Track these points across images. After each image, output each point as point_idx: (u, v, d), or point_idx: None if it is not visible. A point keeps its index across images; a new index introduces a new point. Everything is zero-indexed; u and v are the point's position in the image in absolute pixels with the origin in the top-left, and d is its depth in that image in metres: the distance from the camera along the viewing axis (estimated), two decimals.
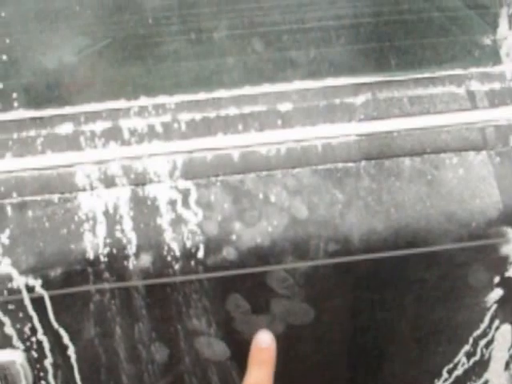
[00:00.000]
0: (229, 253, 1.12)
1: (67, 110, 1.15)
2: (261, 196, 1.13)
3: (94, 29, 1.18)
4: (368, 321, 1.22)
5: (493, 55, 1.24)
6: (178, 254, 1.11)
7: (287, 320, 1.18)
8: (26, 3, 1.16)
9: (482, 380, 1.31)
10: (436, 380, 1.29)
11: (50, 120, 1.14)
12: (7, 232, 1.10)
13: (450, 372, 1.28)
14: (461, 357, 1.27)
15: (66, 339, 1.14)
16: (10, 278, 1.09)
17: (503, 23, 1.24)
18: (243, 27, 1.19)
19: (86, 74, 1.20)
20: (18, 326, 1.12)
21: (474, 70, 1.21)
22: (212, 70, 1.21)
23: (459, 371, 1.28)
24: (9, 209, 1.11)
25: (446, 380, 1.29)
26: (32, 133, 1.13)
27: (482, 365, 1.29)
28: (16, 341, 1.13)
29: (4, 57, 1.15)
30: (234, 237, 1.12)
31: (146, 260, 1.11)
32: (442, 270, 1.18)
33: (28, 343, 1.14)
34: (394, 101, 1.17)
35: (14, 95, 1.14)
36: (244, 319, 1.17)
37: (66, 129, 1.14)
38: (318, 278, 1.15)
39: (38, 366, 1.15)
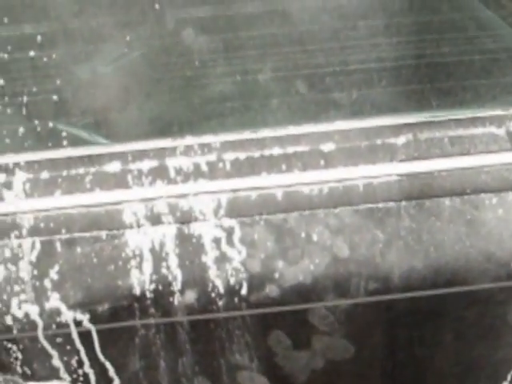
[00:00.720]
0: (271, 290, 1.14)
1: (115, 148, 1.18)
2: (303, 235, 1.15)
3: (141, 70, 1.21)
4: (407, 357, 1.23)
5: None
6: (221, 290, 1.14)
7: (327, 356, 1.20)
8: (75, 46, 1.19)
9: None
10: None
11: (99, 158, 1.17)
12: (56, 267, 1.13)
13: None
14: None
15: (111, 372, 1.17)
16: (58, 313, 1.12)
17: None
18: (287, 69, 1.22)
19: (134, 113, 1.23)
20: (66, 358, 1.15)
21: None
22: (256, 111, 1.23)
23: None
24: (58, 245, 1.14)
25: None
26: (81, 171, 1.16)
27: None
28: (63, 373, 1.16)
29: (55, 97, 1.18)
30: (276, 275, 1.14)
31: (190, 296, 1.14)
32: (481, 308, 1.19)
33: (75, 375, 1.17)
34: (435, 141, 1.18)
35: (64, 134, 1.18)
36: (285, 355, 1.19)
37: (113, 167, 1.16)
38: (358, 315, 1.17)
39: None
